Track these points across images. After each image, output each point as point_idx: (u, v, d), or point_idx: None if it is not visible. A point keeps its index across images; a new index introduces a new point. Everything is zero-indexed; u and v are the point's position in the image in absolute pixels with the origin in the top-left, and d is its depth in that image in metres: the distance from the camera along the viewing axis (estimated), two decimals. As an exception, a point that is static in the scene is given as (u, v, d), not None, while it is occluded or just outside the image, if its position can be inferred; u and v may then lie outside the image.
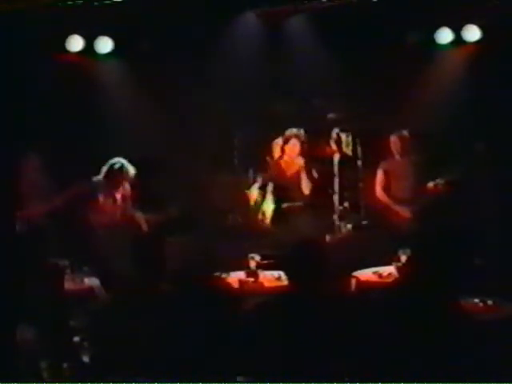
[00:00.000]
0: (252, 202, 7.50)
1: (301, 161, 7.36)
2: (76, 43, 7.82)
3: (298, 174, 7.37)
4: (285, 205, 7.34)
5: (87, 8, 6.97)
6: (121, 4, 7.05)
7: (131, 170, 6.90)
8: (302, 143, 7.40)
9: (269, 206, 7.40)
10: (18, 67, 5.97)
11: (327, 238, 7.23)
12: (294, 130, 7.39)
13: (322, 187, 7.56)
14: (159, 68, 7.70)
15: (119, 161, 6.89)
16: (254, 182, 7.53)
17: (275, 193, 7.37)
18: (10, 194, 5.14)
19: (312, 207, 7.38)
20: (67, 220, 6.67)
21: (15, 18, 6.10)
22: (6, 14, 5.98)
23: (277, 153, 7.49)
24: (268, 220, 7.41)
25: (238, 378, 3.73)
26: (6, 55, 5.63)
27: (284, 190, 7.36)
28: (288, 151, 7.39)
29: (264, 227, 7.38)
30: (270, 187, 7.40)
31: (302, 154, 7.39)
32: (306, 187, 7.31)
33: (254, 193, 7.50)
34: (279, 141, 7.49)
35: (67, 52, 7.81)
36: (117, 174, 6.87)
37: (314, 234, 6.91)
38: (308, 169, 7.38)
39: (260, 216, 7.45)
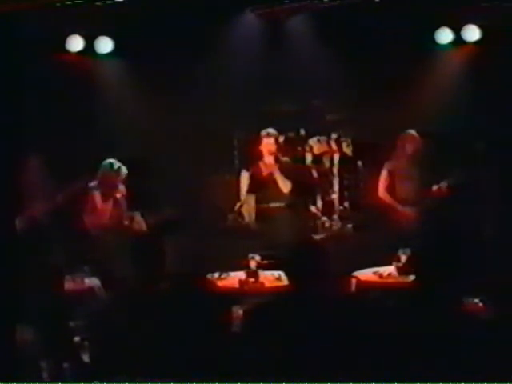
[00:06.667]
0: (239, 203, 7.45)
1: (271, 160, 7.25)
2: (76, 43, 7.83)
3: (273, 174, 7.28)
4: (265, 205, 7.26)
5: (87, 8, 6.97)
6: (121, 4, 7.05)
7: (124, 170, 6.88)
8: (276, 142, 7.31)
9: (249, 207, 7.35)
10: (18, 67, 5.96)
11: (317, 236, 7.19)
12: (268, 130, 7.31)
13: (306, 186, 7.51)
14: (159, 68, 7.70)
15: (112, 162, 6.86)
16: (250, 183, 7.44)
17: (257, 194, 7.29)
18: (9, 194, 5.13)
19: (294, 207, 7.30)
20: (67, 220, 6.67)
21: (15, 18, 6.10)
22: (5, 14, 5.98)
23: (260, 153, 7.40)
24: (248, 220, 7.37)
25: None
26: (6, 55, 5.63)
27: (265, 191, 7.28)
28: (263, 151, 7.31)
29: (254, 227, 7.34)
30: (251, 188, 7.32)
31: (276, 152, 7.26)
32: (284, 186, 7.19)
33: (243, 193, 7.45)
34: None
35: (67, 52, 7.82)
36: (112, 175, 6.86)
37: (299, 234, 6.90)
38: (283, 167, 7.25)
39: (239, 216, 7.41)
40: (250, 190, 7.30)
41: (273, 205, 7.22)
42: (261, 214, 7.27)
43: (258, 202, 7.26)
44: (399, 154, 7.32)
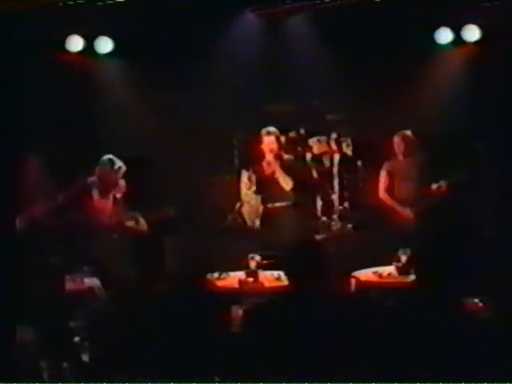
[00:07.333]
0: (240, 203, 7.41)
1: (271, 158, 7.20)
2: (76, 43, 7.83)
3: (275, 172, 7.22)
4: (270, 205, 7.24)
5: (87, 8, 6.98)
6: (121, 4, 7.05)
7: (123, 167, 6.86)
8: (277, 140, 7.24)
9: (249, 207, 7.32)
10: (18, 67, 5.96)
11: (318, 236, 7.17)
12: (268, 128, 7.25)
13: (307, 184, 7.47)
14: (159, 68, 7.70)
15: (111, 158, 6.84)
16: (251, 183, 7.39)
17: (262, 194, 7.26)
18: (9, 194, 5.13)
19: (297, 205, 7.24)
20: (67, 220, 6.67)
21: (15, 18, 6.10)
22: (6, 14, 5.98)
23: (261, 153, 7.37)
24: (248, 220, 7.34)
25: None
26: (6, 55, 5.63)
27: (269, 191, 7.25)
28: (265, 150, 7.27)
29: (255, 227, 7.30)
30: (253, 187, 7.28)
31: (276, 150, 7.20)
32: (285, 184, 7.13)
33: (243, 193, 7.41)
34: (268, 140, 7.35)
35: (67, 52, 7.82)
36: (111, 172, 6.84)
37: (302, 234, 6.88)
38: (284, 165, 7.19)
39: (239, 216, 7.39)
40: (255, 191, 7.27)
41: (278, 204, 7.18)
42: (267, 214, 7.23)
43: (263, 202, 7.23)
44: (395, 155, 7.35)
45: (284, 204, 7.17)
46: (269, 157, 7.20)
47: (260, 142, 7.25)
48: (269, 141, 7.21)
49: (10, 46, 5.79)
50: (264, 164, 7.24)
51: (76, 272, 6.05)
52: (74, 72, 7.72)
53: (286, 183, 7.13)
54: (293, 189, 7.14)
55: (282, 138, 7.43)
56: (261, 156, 7.27)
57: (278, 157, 7.22)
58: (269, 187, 7.20)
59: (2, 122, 5.26)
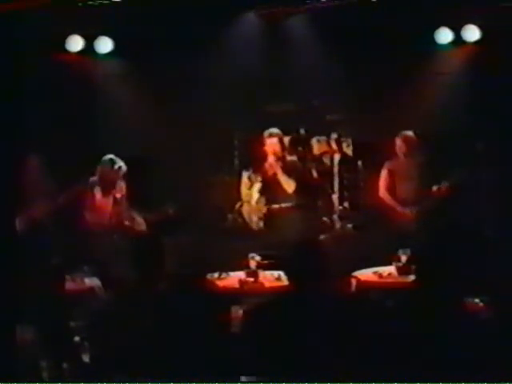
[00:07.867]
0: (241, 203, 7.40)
1: (273, 160, 7.16)
2: (76, 43, 7.84)
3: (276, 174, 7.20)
4: (275, 206, 7.22)
5: (87, 8, 6.98)
6: (121, 4, 7.06)
7: (124, 167, 6.86)
8: (280, 142, 7.22)
9: (249, 207, 7.31)
10: (18, 67, 5.96)
11: (321, 237, 7.16)
12: (271, 130, 7.23)
13: (309, 186, 7.45)
14: (159, 68, 7.70)
15: (112, 158, 6.84)
16: (251, 183, 7.36)
17: (263, 194, 7.24)
18: (9, 194, 5.13)
19: (299, 207, 7.20)
20: (67, 220, 6.67)
21: (15, 18, 6.11)
22: (5, 14, 5.98)
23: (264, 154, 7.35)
24: (248, 220, 7.33)
25: (242, 378, 3.72)
26: (6, 55, 5.63)
27: (272, 192, 7.22)
28: (267, 152, 7.25)
29: (256, 228, 7.29)
30: (254, 187, 7.27)
31: (278, 152, 7.18)
32: (287, 186, 7.11)
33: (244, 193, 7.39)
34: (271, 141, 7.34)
35: (67, 52, 7.82)
36: (112, 172, 6.84)
37: (305, 234, 6.87)
38: (286, 167, 7.16)
39: (239, 216, 7.38)
40: (257, 191, 7.24)
41: (284, 205, 7.16)
42: (271, 214, 7.20)
43: (267, 203, 7.20)
44: (396, 155, 7.35)
45: (288, 205, 7.16)
46: (271, 159, 7.18)
47: (262, 143, 7.24)
48: (271, 142, 7.19)
49: (10, 45, 5.79)
50: (266, 165, 7.22)
51: (76, 272, 6.06)
52: (74, 72, 7.72)
53: (289, 185, 7.11)
54: (295, 191, 7.13)
55: (285, 139, 7.43)
56: (263, 157, 7.26)
57: (280, 159, 7.19)
58: (271, 188, 7.18)
59: (2, 122, 5.26)
